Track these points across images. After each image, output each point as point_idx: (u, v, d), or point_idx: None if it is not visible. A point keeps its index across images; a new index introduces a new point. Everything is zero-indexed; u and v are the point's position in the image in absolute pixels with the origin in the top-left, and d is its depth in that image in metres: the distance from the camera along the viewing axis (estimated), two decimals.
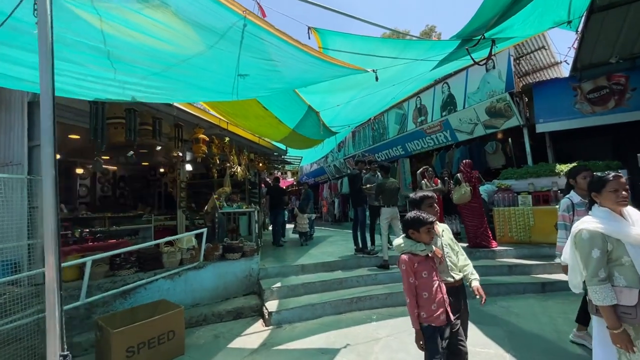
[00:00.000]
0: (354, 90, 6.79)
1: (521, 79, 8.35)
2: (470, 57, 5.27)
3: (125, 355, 2.90)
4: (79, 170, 9.19)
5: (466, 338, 2.27)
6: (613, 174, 1.79)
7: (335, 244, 7.94)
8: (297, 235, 8.21)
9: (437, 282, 2.08)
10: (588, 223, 1.76)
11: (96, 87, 2.28)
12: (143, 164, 11.22)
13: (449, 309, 2.09)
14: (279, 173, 14.47)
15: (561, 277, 4.77)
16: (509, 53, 7.13)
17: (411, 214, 2.15)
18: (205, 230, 4.74)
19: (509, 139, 8.25)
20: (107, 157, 9.56)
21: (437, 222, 2.23)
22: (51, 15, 1.28)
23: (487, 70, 7.66)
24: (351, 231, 6.23)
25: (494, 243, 5.90)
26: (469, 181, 5.99)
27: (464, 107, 8.28)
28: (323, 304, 4.30)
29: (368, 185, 5.86)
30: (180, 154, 6.13)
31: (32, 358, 3.06)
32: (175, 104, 5.32)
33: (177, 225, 7.01)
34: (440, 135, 9.32)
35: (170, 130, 5.88)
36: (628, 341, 1.62)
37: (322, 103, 6.67)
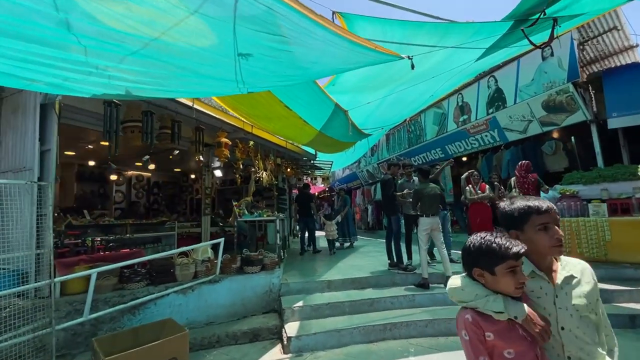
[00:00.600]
0: (387, 87, 6.16)
1: (584, 68, 7.15)
2: (528, 39, 4.43)
3: None
4: (113, 177, 9.42)
5: None
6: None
7: (367, 255, 7.26)
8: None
9: None
10: None
11: (76, 78, 1.95)
12: (175, 170, 11.39)
13: None
14: (308, 179, 14.06)
15: None
16: (571, 36, 6.08)
17: (478, 238, 1.20)
18: (222, 240, 4.36)
19: (572, 138, 7.08)
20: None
21: (557, 259, 1.25)
22: None
23: (543, 58, 6.64)
24: (385, 241, 5.56)
25: None
26: (521, 187, 5.07)
27: (515, 103, 7.27)
28: (351, 329, 3.68)
29: (404, 192, 5.17)
30: (202, 159, 5.86)
31: None
32: (195, 106, 5.06)
33: (202, 232, 6.77)
34: (486, 136, 8.31)
35: (192, 134, 5.65)
36: None
37: (351, 102, 6.12)
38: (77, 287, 3.52)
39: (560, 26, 4.65)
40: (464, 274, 1.27)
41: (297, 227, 11.29)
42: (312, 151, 9.68)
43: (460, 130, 8.94)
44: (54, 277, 3.05)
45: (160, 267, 3.92)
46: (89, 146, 6.72)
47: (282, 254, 5.70)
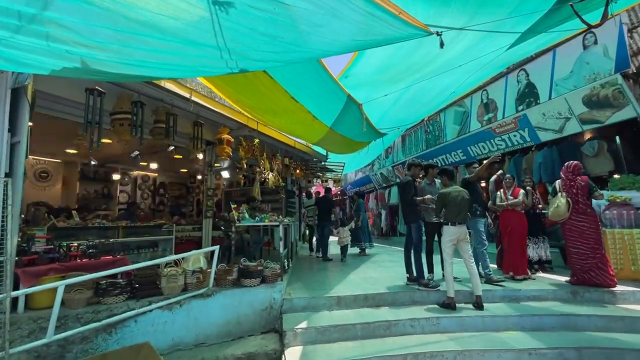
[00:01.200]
0: (406, 80, 5.55)
1: (633, 58, 6.33)
2: (578, 16, 3.75)
3: None
4: (116, 177, 9.11)
5: None
6: None
7: (382, 266, 6.60)
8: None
9: None
10: None
11: (4, 35, 1.45)
12: (182, 170, 11.04)
13: None
14: (318, 181, 13.49)
15: None
16: (619, 20, 5.31)
17: None
18: (217, 248, 3.82)
19: (616, 137, 6.25)
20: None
21: None
22: None
23: (584, 47, 5.87)
24: (401, 249, 4.91)
25: (614, 280, 4.13)
26: (568, 191, 4.33)
27: (549, 98, 6.50)
28: None
29: (427, 197, 4.51)
30: (201, 157, 5.39)
31: None
32: (193, 98, 4.58)
33: (202, 237, 6.29)
34: (514, 135, 7.54)
35: (191, 129, 5.18)
36: None
37: (367, 98, 5.53)
38: (45, 301, 3.04)
39: (616, 2, 3.95)
40: None
41: (307, 232, 10.74)
42: (323, 152, 9.12)
43: (485, 129, 8.19)
44: (11, 290, 2.57)
45: (144, 278, 3.42)
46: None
47: (286, 263, 5.13)
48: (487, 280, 4.47)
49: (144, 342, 2.79)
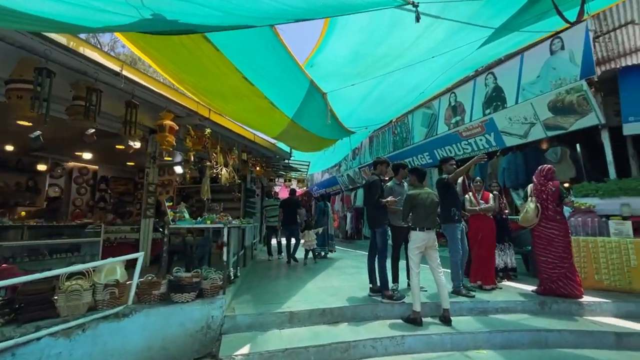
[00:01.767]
0: (376, 74, 5.14)
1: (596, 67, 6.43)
2: (556, 9, 3.52)
3: None
4: (41, 167, 7.83)
5: None
6: None
7: (344, 272, 6.12)
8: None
9: None
10: None
11: None
12: (128, 163, 9.85)
13: None
14: (281, 180, 12.83)
15: None
16: (586, 27, 5.29)
17: None
18: (141, 255, 3.08)
19: (577, 145, 6.30)
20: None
21: None
22: None
23: (552, 52, 5.84)
24: (365, 253, 4.45)
25: (581, 291, 3.95)
26: (538, 196, 4.12)
27: (516, 103, 6.43)
28: None
29: (390, 198, 4.09)
30: (137, 145, 4.57)
31: None
32: (124, 72, 3.78)
33: (140, 239, 5.41)
34: (480, 139, 7.45)
35: (129, 112, 4.33)
36: None
37: (333, 90, 5.03)
38: None
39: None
40: None
41: (266, 234, 10.12)
42: (286, 149, 8.51)
43: (452, 133, 8.06)
44: None
45: (33, 295, 2.61)
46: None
47: (235, 272, 4.45)
48: (456, 292, 4.13)
49: None
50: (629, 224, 4.30)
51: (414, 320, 3.50)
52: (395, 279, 4.36)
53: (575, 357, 3.08)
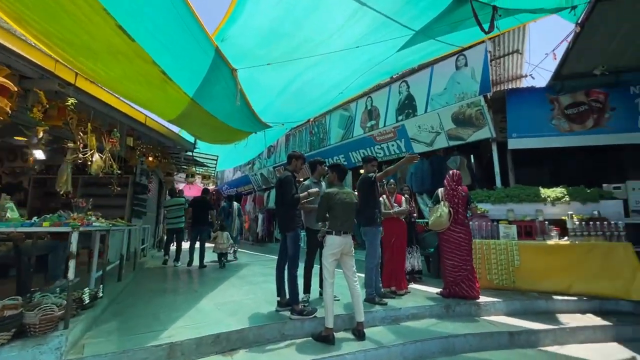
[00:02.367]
0: (296, 62, 4.64)
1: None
2: (475, 15, 3.57)
3: None
4: None
5: None
6: None
7: (250, 282, 5.39)
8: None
9: None
10: None
11: None
12: None
13: None
14: (181, 175, 11.26)
15: (584, 351, 3.14)
16: (485, 48, 5.84)
17: None
18: None
19: (471, 155, 6.97)
20: None
21: None
22: None
23: (457, 67, 6.29)
24: (276, 257, 3.86)
25: (479, 292, 4.13)
26: (450, 200, 4.20)
27: (425, 112, 6.78)
28: None
29: (306, 193, 3.62)
30: None
31: None
32: None
33: None
34: (392, 145, 7.68)
35: None
36: None
37: (248, 71, 4.33)
38: None
39: (500, 15, 4.01)
40: None
41: (165, 238, 8.66)
42: (191, 139, 7.31)
43: (367, 136, 8.15)
44: None
45: None
46: None
47: (93, 293, 3.27)
48: (369, 300, 3.86)
49: None
50: (514, 228, 4.76)
51: (325, 338, 3.04)
52: (307, 289, 3.88)
53: None
